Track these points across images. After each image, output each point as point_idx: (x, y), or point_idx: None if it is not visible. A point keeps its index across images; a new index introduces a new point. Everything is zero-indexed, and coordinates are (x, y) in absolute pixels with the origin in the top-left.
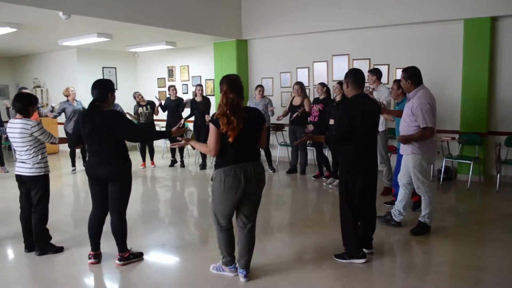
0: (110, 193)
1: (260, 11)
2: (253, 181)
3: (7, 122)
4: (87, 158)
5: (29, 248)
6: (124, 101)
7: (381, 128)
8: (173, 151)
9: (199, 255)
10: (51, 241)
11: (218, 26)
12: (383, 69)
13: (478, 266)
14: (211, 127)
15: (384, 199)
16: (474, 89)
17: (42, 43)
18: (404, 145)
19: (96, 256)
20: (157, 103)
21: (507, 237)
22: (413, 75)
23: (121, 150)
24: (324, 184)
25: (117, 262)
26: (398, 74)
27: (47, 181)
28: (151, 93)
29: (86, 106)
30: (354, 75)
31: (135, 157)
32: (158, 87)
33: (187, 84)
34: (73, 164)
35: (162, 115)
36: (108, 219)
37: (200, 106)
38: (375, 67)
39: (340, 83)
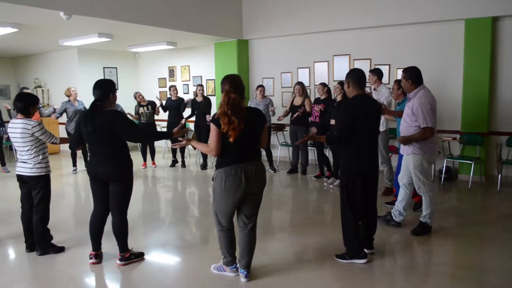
0: (112, 193)
1: (261, 11)
2: (254, 181)
3: (8, 122)
4: (88, 158)
5: (30, 248)
6: (125, 101)
7: (382, 128)
8: (174, 151)
9: (200, 255)
10: (52, 241)
11: (219, 26)
12: (384, 69)
13: (479, 267)
14: (212, 127)
15: (385, 199)
16: (475, 89)
17: (43, 43)
18: (405, 145)
19: (97, 256)
20: (158, 103)
21: (508, 238)
22: (413, 75)
23: (123, 150)
24: (325, 184)
25: (118, 262)
26: (399, 74)
27: (48, 181)
28: (152, 93)
29: (87, 106)
30: (356, 75)
31: (136, 157)
32: (159, 87)
33: (188, 84)
34: (74, 164)
35: (163, 115)
36: (109, 219)
37: (201, 106)
38: (376, 67)
39: (340, 83)
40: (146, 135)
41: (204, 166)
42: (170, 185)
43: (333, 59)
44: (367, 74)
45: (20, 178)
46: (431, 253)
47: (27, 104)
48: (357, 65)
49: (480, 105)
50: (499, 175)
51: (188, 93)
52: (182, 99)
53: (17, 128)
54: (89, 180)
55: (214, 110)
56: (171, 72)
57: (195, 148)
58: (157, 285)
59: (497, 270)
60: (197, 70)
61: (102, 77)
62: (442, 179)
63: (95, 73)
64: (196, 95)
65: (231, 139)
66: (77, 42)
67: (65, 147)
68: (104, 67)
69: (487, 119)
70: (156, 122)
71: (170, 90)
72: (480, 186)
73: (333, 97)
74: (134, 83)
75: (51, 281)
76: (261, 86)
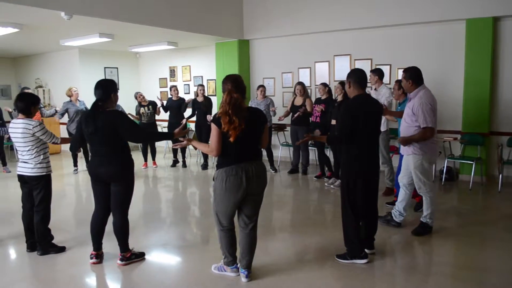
0: (113, 193)
1: (262, 11)
2: (255, 181)
3: (9, 122)
4: (89, 158)
5: (31, 248)
6: (126, 102)
7: (382, 128)
8: (175, 151)
9: (200, 255)
10: (53, 241)
11: (220, 26)
12: (385, 69)
13: (480, 267)
14: (213, 127)
15: (386, 199)
16: (476, 89)
17: (44, 43)
18: (405, 146)
19: (98, 256)
20: (158, 103)
21: (509, 238)
22: (414, 75)
23: (124, 150)
24: (325, 184)
25: (119, 262)
26: (400, 74)
27: (49, 181)
28: (153, 93)
29: (88, 106)
30: (357, 75)
31: (137, 157)
32: (160, 87)
33: (188, 84)
34: (75, 164)
35: (163, 115)
36: (110, 219)
37: (201, 106)
38: (377, 67)
39: (341, 83)
40: (147, 135)
41: (205, 166)
42: (171, 185)
43: (334, 59)
44: (368, 74)
45: (21, 178)
46: (431, 253)
47: (28, 104)
48: (358, 65)
49: (481, 105)
50: (500, 176)
51: (189, 93)
52: (183, 99)
53: (18, 128)
54: (90, 180)
55: (215, 110)
56: (172, 72)
57: (196, 148)
58: (158, 285)
59: (498, 270)
60: (198, 70)
61: (103, 77)
62: (443, 179)
63: (96, 73)
64: (197, 95)
65: (231, 139)
66: (78, 42)
67: (66, 147)
68: (105, 67)
69: (488, 119)
70: (157, 122)
71: (171, 90)
72: (481, 186)
73: (334, 97)
74: (135, 83)
75: (52, 281)
76: (262, 86)
